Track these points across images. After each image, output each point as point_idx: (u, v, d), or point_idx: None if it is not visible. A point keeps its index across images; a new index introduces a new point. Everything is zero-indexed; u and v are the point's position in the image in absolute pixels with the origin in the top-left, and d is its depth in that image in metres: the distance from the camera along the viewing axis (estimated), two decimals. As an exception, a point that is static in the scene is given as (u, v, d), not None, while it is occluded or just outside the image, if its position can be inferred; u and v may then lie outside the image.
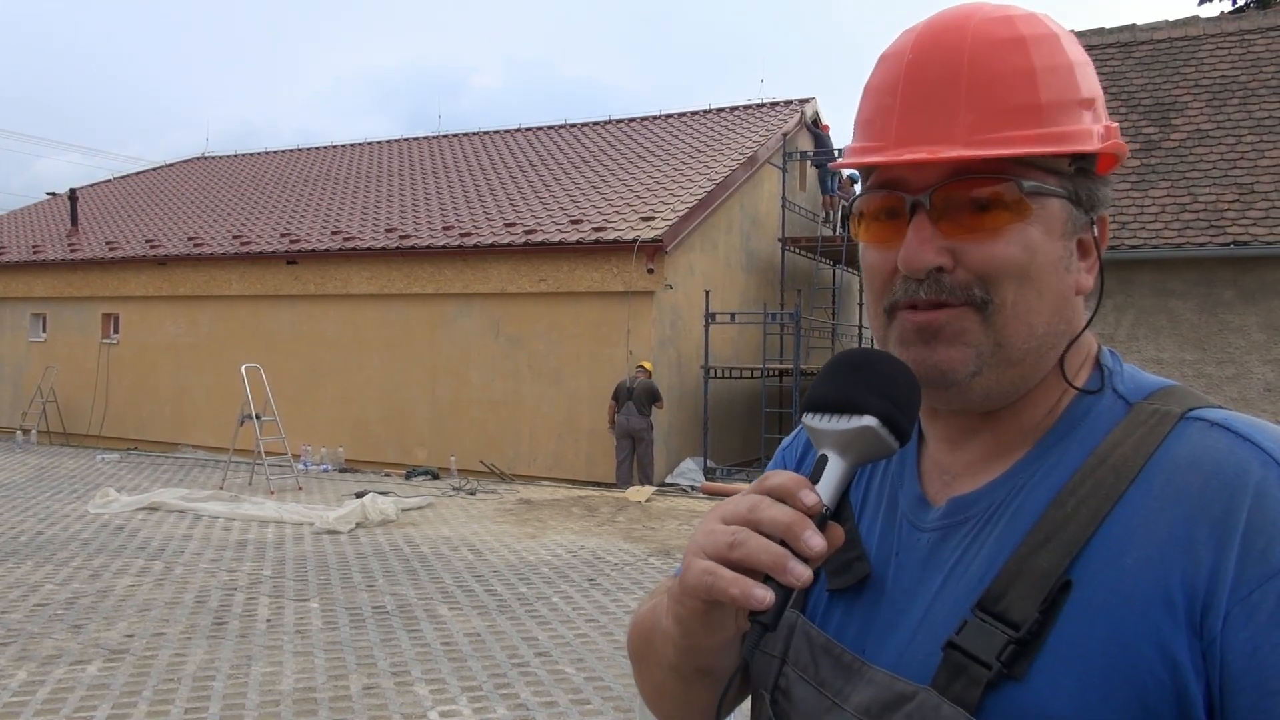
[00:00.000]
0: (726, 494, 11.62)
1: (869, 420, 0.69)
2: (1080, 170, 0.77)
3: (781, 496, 0.68)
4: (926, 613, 0.75)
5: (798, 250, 16.61)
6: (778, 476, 0.70)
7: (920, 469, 0.84)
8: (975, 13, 0.77)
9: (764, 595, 0.65)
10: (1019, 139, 0.73)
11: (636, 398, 11.99)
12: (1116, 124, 0.79)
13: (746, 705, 0.90)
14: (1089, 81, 0.77)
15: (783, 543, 0.66)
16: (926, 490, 0.82)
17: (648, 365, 12.30)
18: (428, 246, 14.32)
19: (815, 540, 0.66)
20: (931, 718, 0.70)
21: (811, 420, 0.72)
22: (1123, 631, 0.66)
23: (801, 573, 0.65)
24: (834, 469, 0.70)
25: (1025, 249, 0.74)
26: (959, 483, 0.80)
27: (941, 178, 0.74)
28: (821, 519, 0.68)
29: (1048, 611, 0.68)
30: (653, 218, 13.38)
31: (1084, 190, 0.77)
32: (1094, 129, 0.76)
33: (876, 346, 0.82)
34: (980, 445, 0.80)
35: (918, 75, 0.75)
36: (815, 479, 0.70)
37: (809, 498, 0.67)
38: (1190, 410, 0.73)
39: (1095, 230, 0.78)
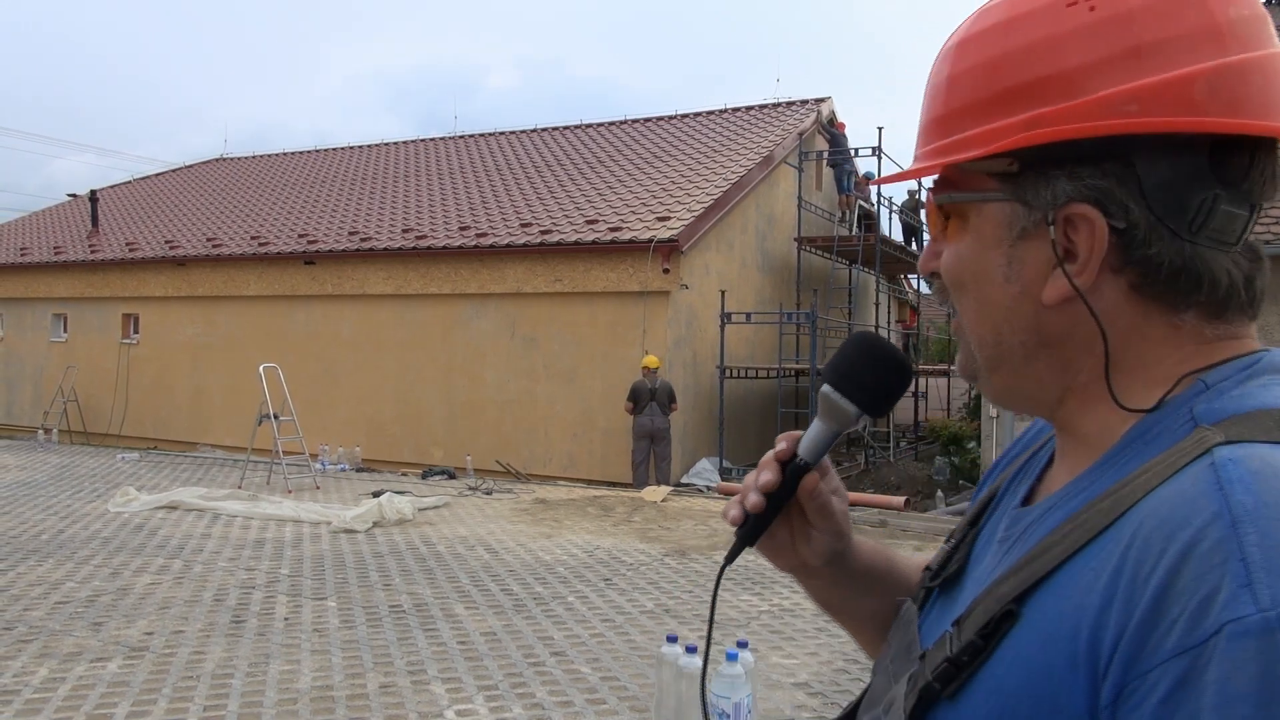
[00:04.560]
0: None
1: (825, 387, 0.83)
2: (1040, 162, 0.67)
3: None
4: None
5: (814, 250, 16.56)
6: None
7: (1039, 481, 0.81)
8: (984, 8, 0.73)
9: (732, 513, 0.84)
10: (926, 154, 0.74)
11: (659, 398, 12.01)
12: (1114, 90, 0.64)
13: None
14: (1030, 64, 0.67)
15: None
16: (1026, 501, 0.80)
17: (650, 362, 12.16)
18: (444, 247, 14.37)
19: (764, 476, 0.82)
20: None
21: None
22: (1036, 678, 0.61)
23: (751, 499, 0.82)
24: (814, 426, 0.84)
25: (956, 258, 0.74)
26: (1039, 496, 0.78)
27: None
28: (795, 468, 0.83)
29: (989, 638, 0.65)
30: (668, 217, 13.37)
31: (1034, 189, 0.68)
32: (1006, 124, 0.67)
33: None
34: (1064, 460, 0.76)
35: (928, 79, 0.77)
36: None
37: (778, 444, 0.84)
38: (1232, 442, 0.60)
39: (1062, 231, 0.67)
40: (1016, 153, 0.67)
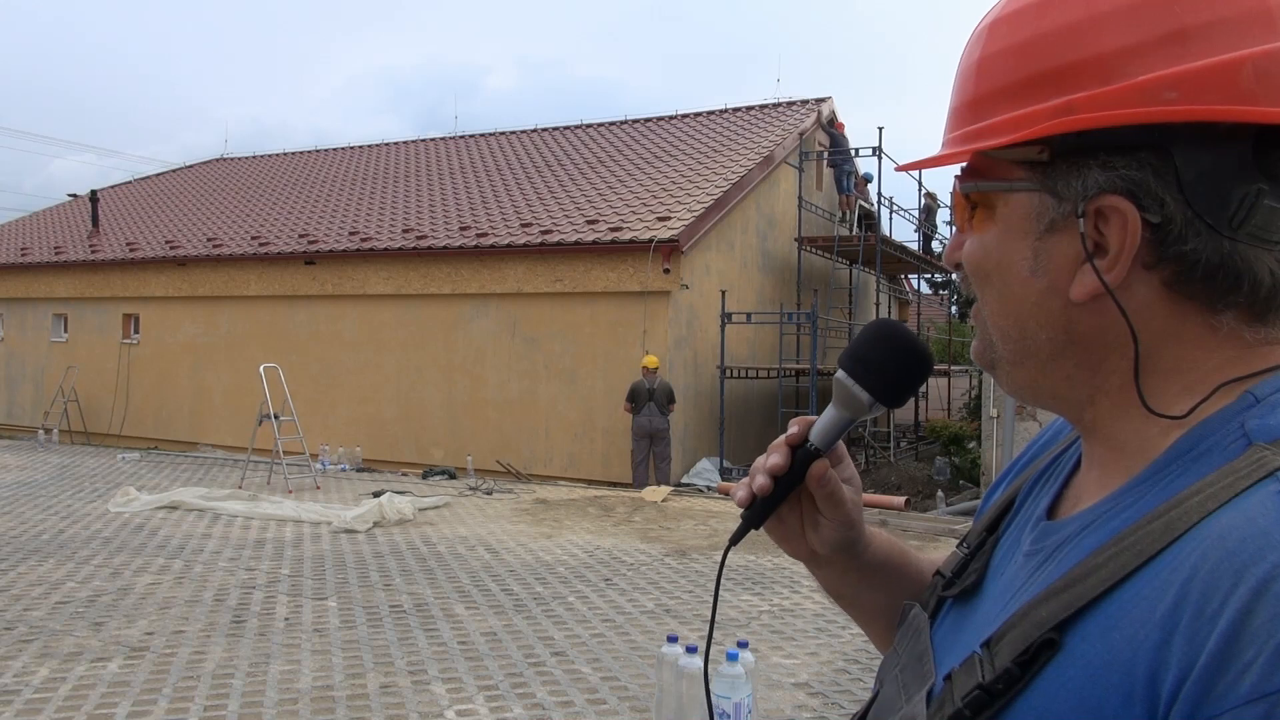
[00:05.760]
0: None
1: (839, 373, 0.81)
2: (1072, 151, 0.64)
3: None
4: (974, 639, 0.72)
5: (814, 250, 16.57)
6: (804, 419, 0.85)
7: (1065, 488, 0.77)
8: None
9: (740, 495, 0.83)
10: (953, 140, 0.70)
11: (658, 398, 12.02)
12: (1153, 76, 0.61)
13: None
14: (1065, 47, 0.64)
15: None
16: (1052, 510, 0.76)
17: (650, 362, 12.20)
18: (444, 247, 14.37)
19: (772, 459, 0.82)
20: None
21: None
22: (1085, 712, 0.57)
23: (759, 481, 0.81)
24: (827, 412, 0.83)
25: (980, 248, 0.70)
26: (1067, 506, 0.74)
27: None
28: (804, 453, 0.82)
29: (1026, 666, 0.61)
30: (669, 217, 13.38)
31: (1064, 179, 0.64)
32: (1036, 109, 0.64)
33: None
34: (1093, 467, 0.71)
35: (960, 61, 0.73)
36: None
37: (790, 428, 0.83)
38: None
39: (1092, 224, 0.63)
40: (1047, 140, 0.64)
